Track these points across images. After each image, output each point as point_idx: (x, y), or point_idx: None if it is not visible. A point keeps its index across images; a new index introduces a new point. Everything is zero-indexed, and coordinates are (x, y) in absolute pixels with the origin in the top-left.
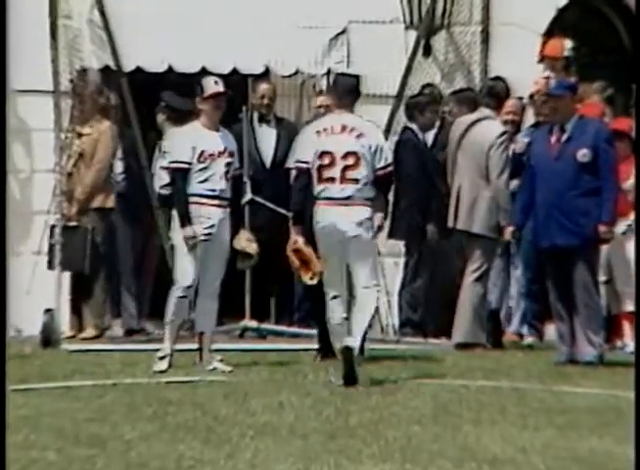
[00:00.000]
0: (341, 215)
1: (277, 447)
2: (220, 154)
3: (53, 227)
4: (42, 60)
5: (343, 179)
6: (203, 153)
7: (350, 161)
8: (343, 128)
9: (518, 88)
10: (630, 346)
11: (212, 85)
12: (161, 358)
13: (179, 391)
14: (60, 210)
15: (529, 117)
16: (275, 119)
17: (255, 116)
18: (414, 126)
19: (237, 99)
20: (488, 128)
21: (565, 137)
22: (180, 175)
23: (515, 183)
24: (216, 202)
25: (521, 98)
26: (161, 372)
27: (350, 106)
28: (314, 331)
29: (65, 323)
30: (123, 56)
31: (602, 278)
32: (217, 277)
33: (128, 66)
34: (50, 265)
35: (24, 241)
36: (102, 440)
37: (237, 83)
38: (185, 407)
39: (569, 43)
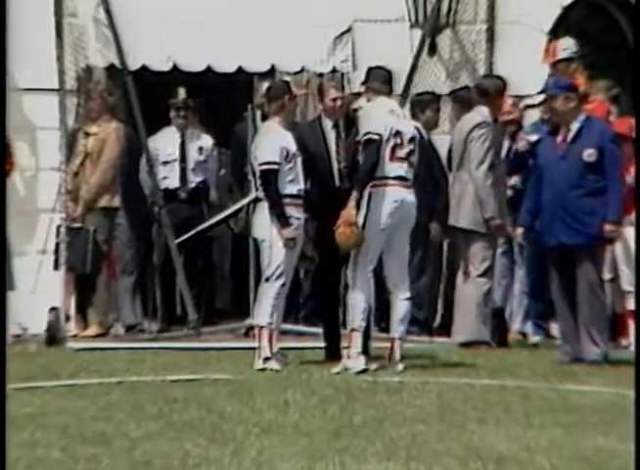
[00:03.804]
0: (408, 196)
1: (282, 446)
2: (299, 152)
3: (59, 227)
4: (47, 58)
5: (408, 162)
6: (289, 152)
7: (412, 145)
8: (403, 115)
9: (523, 87)
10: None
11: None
12: (267, 359)
13: (184, 389)
14: (65, 208)
15: (531, 117)
16: None
17: (259, 114)
18: (418, 124)
19: (242, 98)
20: (468, 120)
21: (571, 136)
22: (273, 176)
23: (515, 179)
24: (300, 201)
25: (519, 97)
26: (278, 371)
27: (389, 95)
28: (319, 329)
29: (70, 321)
30: (128, 54)
31: (607, 276)
32: (289, 277)
33: (133, 64)
34: (56, 265)
35: (30, 240)
36: (107, 438)
37: (242, 82)
38: (190, 405)
39: (562, 44)
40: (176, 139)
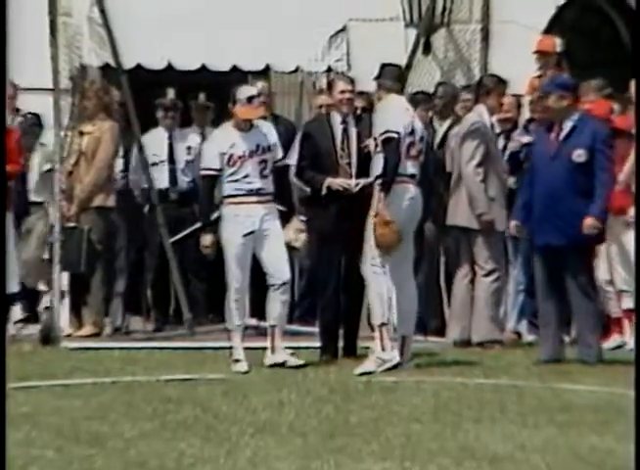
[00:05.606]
0: (418, 194)
1: (277, 445)
2: (252, 153)
3: (52, 226)
4: (42, 57)
5: (418, 160)
6: (232, 156)
7: (422, 144)
8: (413, 114)
9: (517, 86)
10: (630, 343)
11: (248, 88)
12: (237, 361)
13: (179, 389)
14: (59, 208)
15: (526, 115)
16: (272, 117)
17: None
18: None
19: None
20: (466, 121)
21: (562, 135)
22: (208, 182)
23: (510, 180)
24: (254, 198)
25: (516, 95)
26: (245, 373)
27: (401, 92)
28: (314, 329)
29: (64, 321)
30: (123, 53)
31: (606, 277)
32: (282, 268)
33: (128, 63)
34: (50, 264)
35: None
36: (101, 438)
37: (237, 81)
38: (185, 405)
39: (559, 40)
40: (164, 140)
